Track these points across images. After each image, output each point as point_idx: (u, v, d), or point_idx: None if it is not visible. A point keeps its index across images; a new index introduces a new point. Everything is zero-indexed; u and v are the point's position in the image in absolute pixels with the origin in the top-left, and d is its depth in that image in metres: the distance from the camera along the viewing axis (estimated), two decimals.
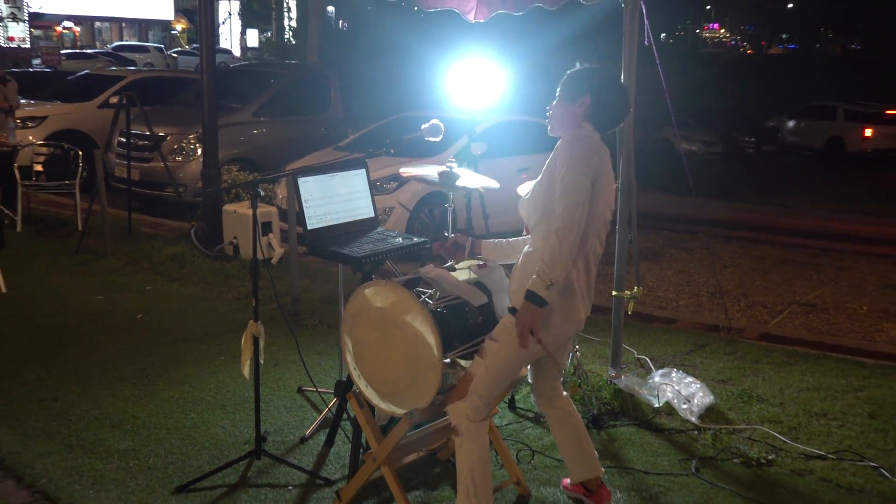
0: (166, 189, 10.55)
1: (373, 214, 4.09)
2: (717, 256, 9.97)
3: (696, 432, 4.36)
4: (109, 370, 5.08)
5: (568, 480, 3.69)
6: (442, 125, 3.70)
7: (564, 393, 3.60)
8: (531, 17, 5.23)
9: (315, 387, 4.74)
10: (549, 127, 3.34)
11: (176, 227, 8.96)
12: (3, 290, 6.52)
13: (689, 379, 4.72)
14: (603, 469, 3.60)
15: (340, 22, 24.96)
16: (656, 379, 4.74)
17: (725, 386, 4.94)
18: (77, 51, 37.14)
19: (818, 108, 25.12)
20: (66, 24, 45.92)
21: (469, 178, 4.22)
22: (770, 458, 4.10)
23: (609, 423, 4.44)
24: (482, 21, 5.36)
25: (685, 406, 4.52)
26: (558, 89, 3.29)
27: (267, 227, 7.43)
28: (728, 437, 4.30)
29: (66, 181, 9.03)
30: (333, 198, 3.93)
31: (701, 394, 4.60)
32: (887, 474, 3.93)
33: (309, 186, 3.83)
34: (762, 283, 8.73)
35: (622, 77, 4.53)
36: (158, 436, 4.25)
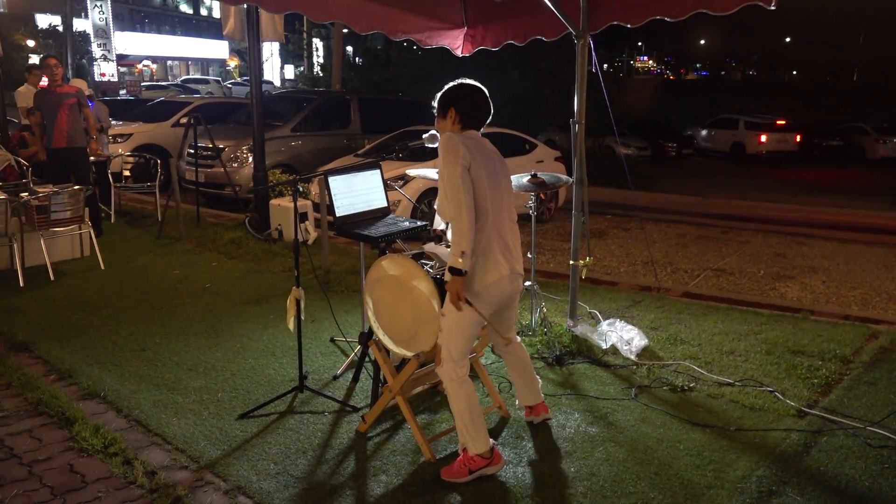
0: (225, 188, 10.53)
1: (385, 204, 4.06)
2: (648, 234, 9.97)
3: (634, 367, 4.36)
4: (186, 327, 5.05)
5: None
6: (438, 134, 3.65)
7: (518, 339, 3.53)
8: (506, 50, 5.17)
9: (344, 337, 4.74)
10: (440, 138, 3.22)
11: (234, 218, 8.88)
12: (103, 266, 6.48)
13: (629, 326, 4.71)
14: (543, 396, 3.60)
15: (357, 58, 24.74)
16: (604, 327, 4.73)
17: (656, 332, 4.94)
18: (153, 83, 36.75)
19: (725, 120, 25.06)
20: (145, 62, 45.49)
21: None
22: (691, 385, 4.10)
23: (568, 362, 4.44)
24: (468, 55, 5.31)
25: (626, 347, 4.53)
26: (434, 109, 3.21)
27: (303, 217, 7.38)
28: (659, 371, 4.31)
29: (148, 183, 8.94)
30: (355, 192, 3.91)
31: (638, 338, 4.60)
32: (780, 396, 3.94)
33: (337, 183, 3.80)
34: (683, 254, 8.73)
35: (575, 96, 4.49)
36: (224, 376, 4.24)
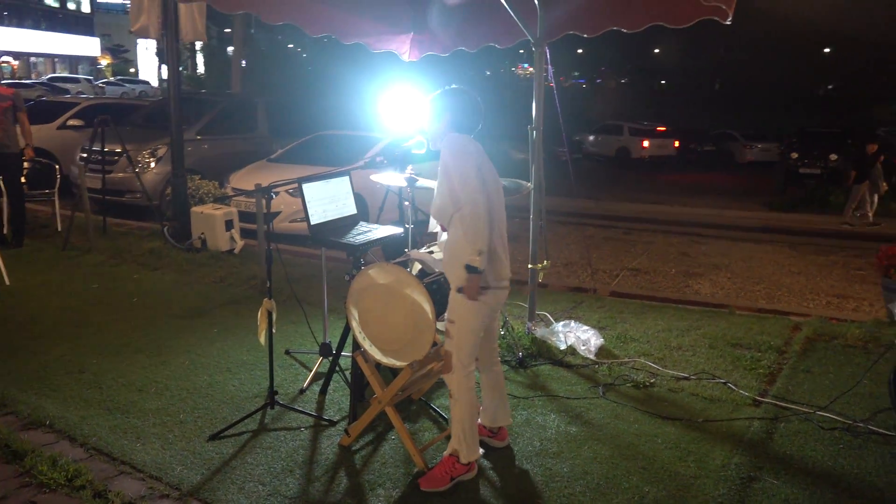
0: (125, 195, 9.93)
1: (355, 211, 3.97)
2: (559, 237, 10.28)
3: (595, 366, 4.50)
4: (123, 344, 4.70)
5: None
6: (425, 140, 3.60)
7: (497, 357, 3.47)
8: (456, 56, 5.17)
9: (316, 343, 4.58)
10: (431, 143, 3.27)
11: (143, 227, 8.38)
12: (8, 282, 5.91)
13: (585, 327, 4.85)
14: (511, 420, 3.55)
15: (243, 62, 23.95)
16: (559, 328, 4.85)
17: (605, 331, 5.10)
18: (15, 81, 33.86)
19: (610, 126, 26.28)
20: (5, 58, 41.85)
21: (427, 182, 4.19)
22: (651, 381, 4.27)
23: (531, 364, 4.51)
24: (415, 60, 5.28)
25: (584, 347, 4.65)
26: (427, 112, 3.18)
27: (229, 224, 7.07)
28: (618, 368, 4.46)
29: (46, 190, 8.24)
30: (327, 199, 3.79)
31: (594, 338, 4.74)
32: (733, 387, 4.19)
33: (311, 191, 3.67)
34: (598, 255, 9.07)
35: (533, 103, 4.58)
36: (181, 395, 3.98)
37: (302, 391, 4.09)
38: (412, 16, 5.11)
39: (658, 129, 25.26)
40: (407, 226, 4.14)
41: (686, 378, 4.31)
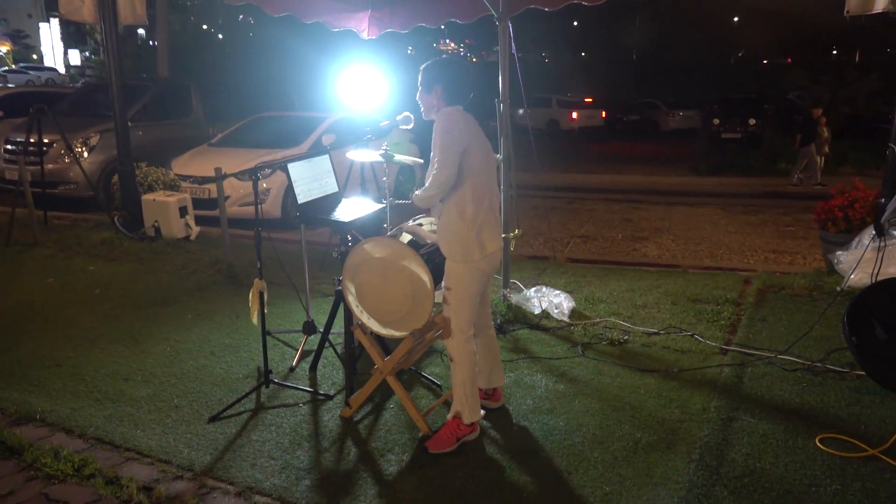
0: (58, 187, 9.55)
1: (337, 189, 4.01)
2: (511, 207, 10.46)
3: (570, 328, 4.71)
4: (96, 336, 4.62)
5: None
6: (412, 116, 3.65)
7: (491, 321, 3.60)
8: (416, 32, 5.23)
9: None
10: (424, 114, 3.26)
11: (87, 218, 8.10)
12: None
13: (556, 291, 5.05)
14: (505, 380, 3.69)
15: (150, 41, 22.81)
16: (531, 293, 5.03)
17: (573, 294, 5.29)
18: None
19: (540, 98, 26.65)
20: None
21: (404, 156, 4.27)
22: (625, 338, 4.52)
23: (510, 329, 4.68)
24: (374, 38, 5.30)
25: (557, 311, 4.86)
26: (419, 82, 3.20)
27: (184, 211, 6.94)
28: (592, 328, 4.69)
29: None
30: (311, 178, 3.82)
31: (566, 301, 4.95)
32: (700, 338, 4.47)
33: (295, 170, 3.69)
34: (548, 225, 9.32)
35: (500, 76, 4.69)
36: (170, 381, 3.97)
37: (292, 369, 4.14)
38: None
39: (585, 100, 25.84)
40: (386, 201, 4.22)
41: (656, 333, 4.58)
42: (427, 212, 3.57)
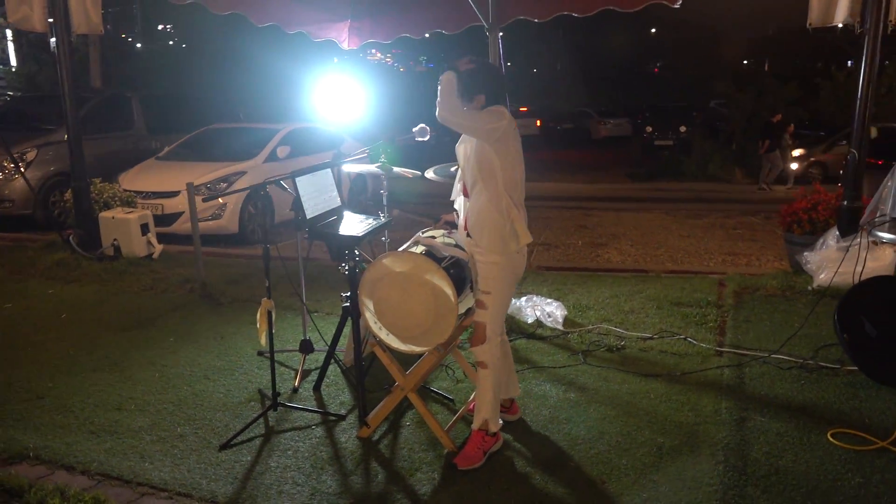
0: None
1: (339, 203, 3.91)
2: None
3: (565, 336, 4.73)
4: (73, 364, 4.34)
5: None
6: (428, 128, 3.59)
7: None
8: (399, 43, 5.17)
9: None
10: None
11: (33, 238, 7.65)
12: None
13: (547, 300, 5.07)
14: (520, 390, 3.66)
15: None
16: (524, 303, 5.04)
17: (561, 302, 5.35)
18: None
19: None
20: None
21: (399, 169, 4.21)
22: (621, 344, 4.57)
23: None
24: (355, 48, 5.22)
25: (550, 319, 4.88)
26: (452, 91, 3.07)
27: (145, 228, 6.63)
28: (587, 335, 4.72)
29: None
30: (316, 192, 3.71)
31: (558, 309, 4.97)
32: (693, 341, 4.57)
33: (303, 184, 3.58)
34: None
35: None
36: (168, 409, 3.76)
37: (295, 390, 4.00)
38: (351, 2, 5.04)
39: (521, 109, 26.21)
40: (385, 215, 4.13)
41: (650, 338, 4.65)
42: (437, 223, 3.53)
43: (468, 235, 3.26)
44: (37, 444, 3.38)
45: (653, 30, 50.24)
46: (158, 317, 5.18)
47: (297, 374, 4.12)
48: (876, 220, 4.27)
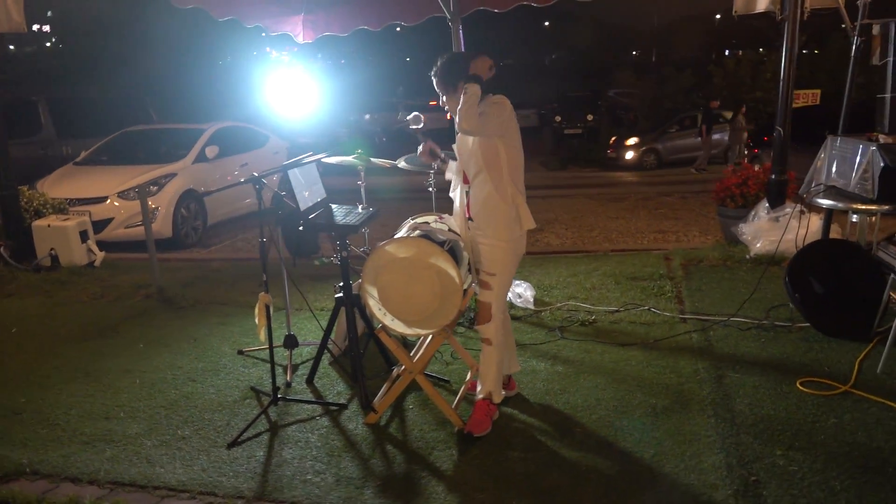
0: None
1: (325, 195, 3.92)
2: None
3: (538, 314, 4.91)
4: (41, 376, 4.15)
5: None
6: (422, 115, 3.63)
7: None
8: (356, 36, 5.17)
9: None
10: (452, 114, 3.25)
11: None
12: None
13: (517, 282, 5.23)
14: (519, 367, 3.78)
15: None
16: None
17: (529, 283, 5.52)
18: None
19: (385, 103, 26.89)
20: None
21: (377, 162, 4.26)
22: (592, 318, 4.80)
23: None
24: (310, 42, 5.18)
25: (520, 300, 5.05)
26: (438, 88, 3.27)
27: (84, 235, 6.33)
28: (558, 313, 4.93)
29: None
30: (305, 185, 3.71)
31: (527, 290, 5.15)
32: (657, 311, 4.86)
33: (294, 177, 3.57)
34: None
35: None
36: (161, 414, 3.67)
37: (289, 384, 3.98)
38: None
39: (431, 102, 26.36)
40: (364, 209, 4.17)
41: (617, 310, 4.91)
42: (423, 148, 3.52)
43: (470, 220, 3.37)
44: (31, 459, 3.24)
45: (546, 23, 51.60)
46: (118, 324, 4.99)
47: (286, 369, 4.10)
48: (812, 189, 4.69)
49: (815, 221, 5.76)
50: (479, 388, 3.44)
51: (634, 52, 42.56)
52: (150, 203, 8.22)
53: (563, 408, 3.59)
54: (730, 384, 3.76)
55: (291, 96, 5.21)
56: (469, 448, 3.24)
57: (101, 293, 5.67)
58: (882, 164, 4.09)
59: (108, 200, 8.06)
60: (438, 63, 3.30)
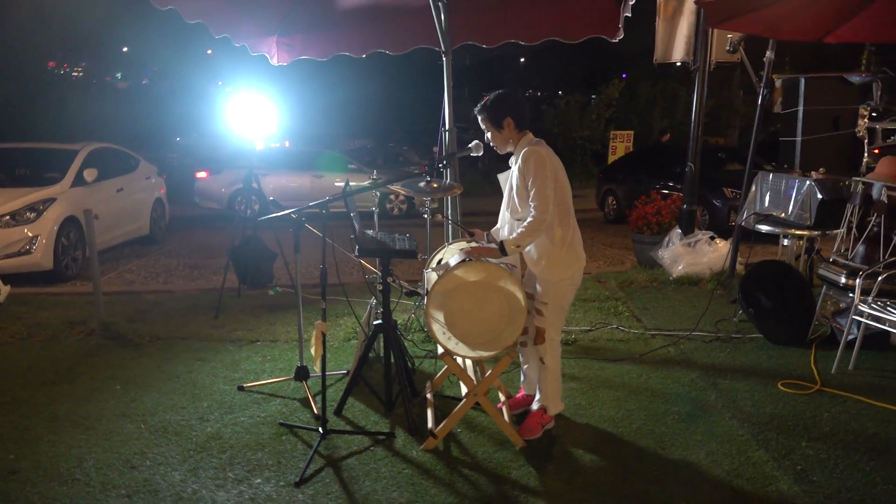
0: None
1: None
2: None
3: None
4: (21, 429, 3.60)
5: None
6: (482, 143, 3.64)
7: None
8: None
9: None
10: (497, 149, 3.49)
11: None
12: None
13: None
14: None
15: None
16: None
17: None
18: None
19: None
20: None
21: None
22: (572, 337, 5.07)
23: None
24: (285, 64, 5.01)
25: None
26: (483, 123, 3.44)
27: None
28: None
29: None
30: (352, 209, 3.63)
31: None
32: (624, 328, 5.26)
33: (350, 200, 3.49)
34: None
35: (445, 105, 4.88)
36: (196, 459, 3.34)
37: (317, 417, 3.80)
38: (279, 17, 4.87)
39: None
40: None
41: (591, 329, 5.24)
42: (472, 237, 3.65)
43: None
44: None
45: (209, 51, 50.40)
46: (74, 366, 4.43)
47: (312, 401, 3.92)
48: (751, 217, 5.38)
49: (725, 246, 6.56)
50: (536, 397, 3.61)
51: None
52: (28, 231, 7.35)
53: (600, 421, 3.79)
54: (726, 389, 4.20)
55: (251, 117, 5.05)
56: (543, 464, 3.34)
57: (27, 334, 4.97)
58: (819, 197, 4.83)
59: None
60: (485, 101, 3.44)
